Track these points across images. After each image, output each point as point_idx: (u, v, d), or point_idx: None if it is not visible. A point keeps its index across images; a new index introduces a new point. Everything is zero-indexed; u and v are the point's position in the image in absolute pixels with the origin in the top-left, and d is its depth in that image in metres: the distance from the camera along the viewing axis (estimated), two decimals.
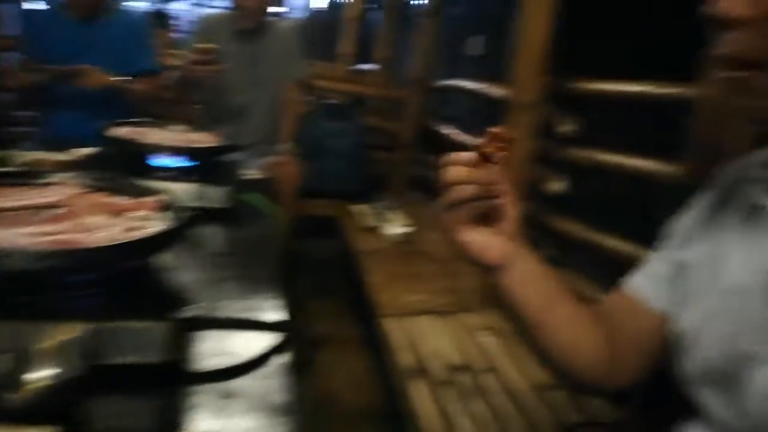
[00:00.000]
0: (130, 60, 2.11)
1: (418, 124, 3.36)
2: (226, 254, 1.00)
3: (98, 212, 0.81)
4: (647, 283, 0.71)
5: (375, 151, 3.41)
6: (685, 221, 0.69)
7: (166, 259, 0.82)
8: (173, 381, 0.57)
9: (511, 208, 0.66)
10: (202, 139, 1.49)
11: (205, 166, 1.36)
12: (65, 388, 0.47)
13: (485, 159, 0.60)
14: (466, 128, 2.76)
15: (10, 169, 1.13)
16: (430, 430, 1.37)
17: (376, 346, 1.94)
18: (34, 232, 0.72)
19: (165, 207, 0.85)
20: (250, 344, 0.66)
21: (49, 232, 0.73)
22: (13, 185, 0.88)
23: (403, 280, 2.22)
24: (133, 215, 0.83)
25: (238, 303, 0.79)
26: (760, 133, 0.83)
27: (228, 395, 0.58)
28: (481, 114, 2.84)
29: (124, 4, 3.67)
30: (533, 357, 1.66)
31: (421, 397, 1.48)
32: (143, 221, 0.81)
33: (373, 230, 2.74)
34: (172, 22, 5.43)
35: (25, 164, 1.23)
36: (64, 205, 0.82)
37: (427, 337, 1.79)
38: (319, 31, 5.19)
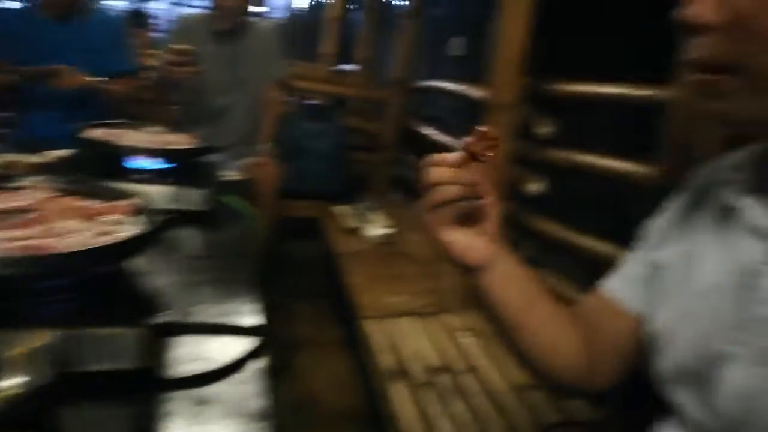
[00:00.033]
0: (107, 60, 2.08)
1: (399, 125, 3.36)
2: (202, 257, 0.99)
3: (70, 216, 0.80)
4: (623, 284, 0.71)
5: (356, 152, 3.41)
6: (659, 222, 0.70)
7: (139, 263, 0.81)
8: (147, 388, 0.57)
9: (492, 208, 0.66)
10: (179, 141, 1.47)
11: (183, 168, 1.34)
12: (36, 396, 0.46)
13: (473, 158, 0.60)
14: (447, 129, 2.76)
15: None
16: None
17: (357, 347, 1.94)
18: (3, 238, 0.71)
19: (138, 210, 0.84)
20: (226, 349, 0.66)
21: (18, 237, 0.71)
22: None
23: (384, 282, 2.22)
24: (105, 219, 0.81)
25: (214, 307, 0.78)
26: (730, 135, 0.84)
27: (203, 401, 0.57)
28: (462, 115, 2.85)
29: (101, 3, 3.61)
30: (513, 358, 1.67)
31: (401, 399, 1.48)
32: (116, 225, 0.80)
33: (354, 231, 2.73)
34: (151, 21, 5.37)
35: None
36: (35, 210, 0.80)
37: (408, 339, 1.80)
38: (299, 31, 5.17)
